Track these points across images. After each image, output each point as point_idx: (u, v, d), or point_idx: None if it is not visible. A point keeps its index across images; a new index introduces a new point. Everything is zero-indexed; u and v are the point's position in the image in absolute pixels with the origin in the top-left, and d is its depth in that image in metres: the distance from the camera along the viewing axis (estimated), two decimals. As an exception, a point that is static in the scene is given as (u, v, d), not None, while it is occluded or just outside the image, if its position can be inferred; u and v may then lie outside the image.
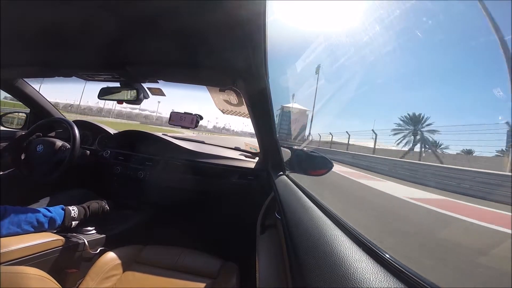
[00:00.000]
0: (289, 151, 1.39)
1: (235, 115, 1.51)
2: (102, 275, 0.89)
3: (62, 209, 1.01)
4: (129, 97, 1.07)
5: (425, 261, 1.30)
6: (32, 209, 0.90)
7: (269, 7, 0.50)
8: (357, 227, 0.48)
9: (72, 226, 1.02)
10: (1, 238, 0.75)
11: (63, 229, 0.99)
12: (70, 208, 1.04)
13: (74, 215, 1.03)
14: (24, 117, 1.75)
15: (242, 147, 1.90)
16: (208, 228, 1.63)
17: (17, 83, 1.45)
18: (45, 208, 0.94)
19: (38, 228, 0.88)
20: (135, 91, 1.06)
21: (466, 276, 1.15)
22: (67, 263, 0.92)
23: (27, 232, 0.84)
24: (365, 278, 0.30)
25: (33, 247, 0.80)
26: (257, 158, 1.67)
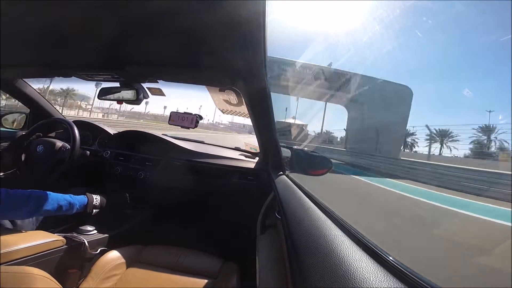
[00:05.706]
0: (289, 151, 1.39)
1: (235, 115, 1.51)
2: (103, 275, 0.89)
3: (85, 196, 1.11)
4: (128, 97, 1.07)
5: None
6: (55, 194, 0.96)
7: (269, 7, 0.50)
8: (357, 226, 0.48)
9: (93, 214, 1.10)
10: (2, 238, 0.75)
11: (83, 216, 1.08)
12: (94, 196, 1.13)
13: (96, 202, 1.12)
14: (24, 118, 1.75)
15: (242, 147, 1.91)
16: (208, 228, 1.64)
17: (17, 83, 1.45)
18: (69, 195, 1.02)
19: (58, 211, 0.95)
20: (134, 91, 1.06)
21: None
22: (68, 263, 0.92)
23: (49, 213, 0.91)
24: (365, 278, 0.30)
25: (34, 247, 0.80)
26: (257, 158, 1.67)
